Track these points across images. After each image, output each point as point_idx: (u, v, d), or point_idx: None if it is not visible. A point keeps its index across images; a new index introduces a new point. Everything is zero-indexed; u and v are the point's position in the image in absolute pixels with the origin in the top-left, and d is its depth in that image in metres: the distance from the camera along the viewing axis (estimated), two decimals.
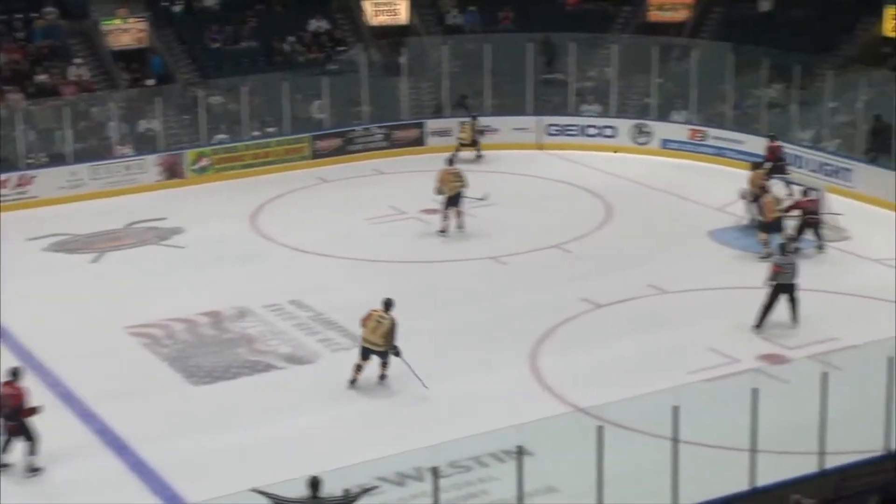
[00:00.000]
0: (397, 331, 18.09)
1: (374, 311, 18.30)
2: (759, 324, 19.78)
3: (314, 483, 12.99)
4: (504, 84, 32.84)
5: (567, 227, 25.26)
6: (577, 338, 20.04)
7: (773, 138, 26.98)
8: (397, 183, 29.06)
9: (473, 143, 30.74)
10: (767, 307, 19.83)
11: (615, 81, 32.38)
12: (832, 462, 14.74)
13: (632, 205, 25.93)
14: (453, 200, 24.95)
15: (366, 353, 18.31)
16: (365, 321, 18.22)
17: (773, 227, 23.31)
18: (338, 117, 31.73)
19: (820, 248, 23.50)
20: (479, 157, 30.57)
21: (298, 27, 34.31)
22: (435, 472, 13.03)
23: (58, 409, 17.75)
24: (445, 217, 24.92)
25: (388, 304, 18.30)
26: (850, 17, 32.94)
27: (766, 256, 22.56)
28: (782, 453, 15.00)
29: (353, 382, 18.35)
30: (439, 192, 25.06)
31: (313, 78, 31.72)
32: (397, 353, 18.14)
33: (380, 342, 18.09)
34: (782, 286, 19.92)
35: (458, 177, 25.12)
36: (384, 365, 18.32)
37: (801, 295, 20.34)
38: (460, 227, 24.94)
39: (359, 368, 18.34)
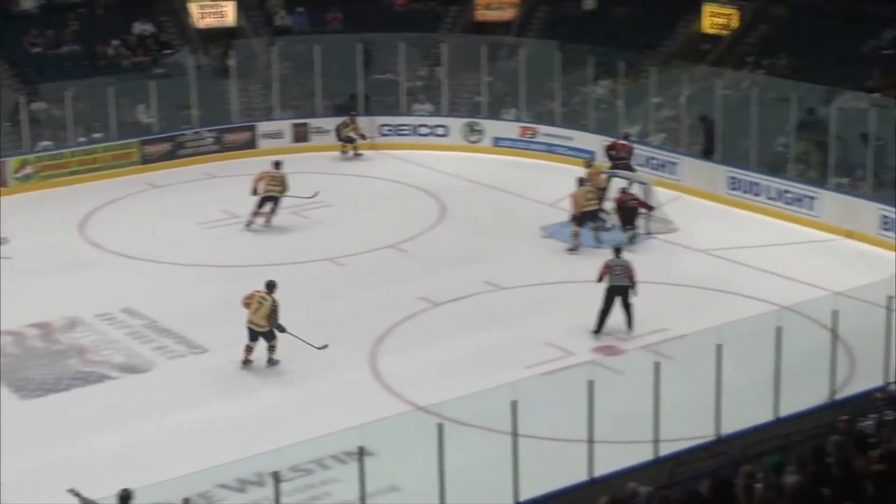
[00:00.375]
0: (279, 311, 18.49)
1: (257, 291, 18.74)
2: (598, 329, 19.93)
3: (124, 496, 12.67)
4: (335, 85, 32.77)
5: (402, 227, 25.32)
6: (415, 337, 20.11)
7: (626, 136, 27.33)
8: (229, 187, 28.68)
9: (350, 141, 30.64)
10: (604, 312, 19.96)
11: (445, 81, 32.59)
12: (666, 449, 15.10)
13: (465, 203, 26.14)
14: (268, 200, 25.13)
15: (253, 335, 18.66)
16: (247, 302, 18.64)
17: (583, 220, 23.76)
18: (167, 121, 31.21)
19: (632, 238, 23.88)
20: (357, 155, 30.48)
21: (122, 30, 33.62)
22: (276, 477, 12.92)
23: None
24: (255, 214, 25.18)
25: (270, 286, 18.80)
26: (671, 14, 33.81)
27: (574, 248, 23.47)
28: (619, 443, 15.30)
29: (245, 363, 18.75)
30: (254, 191, 25.16)
31: (140, 82, 31.15)
32: (282, 330, 18.55)
33: (262, 323, 18.52)
34: (615, 288, 20.09)
35: (278, 181, 25.10)
36: (271, 348, 18.70)
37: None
38: (267, 224, 25.34)
39: (249, 349, 18.73)
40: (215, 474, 14.55)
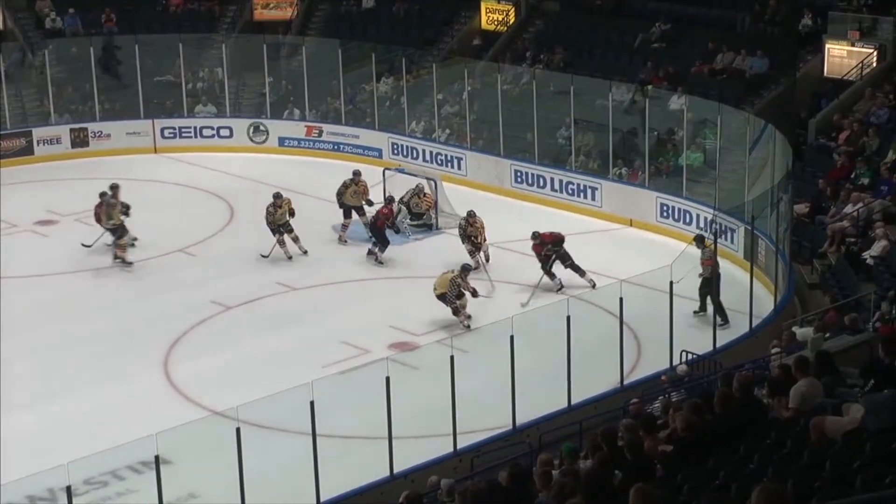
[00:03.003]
0: None
1: None
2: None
3: None
4: (113, 87, 32.02)
5: (190, 231, 24.94)
6: (209, 341, 19.87)
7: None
8: (6, 195, 27.67)
9: None
10: None
11: (227, 81, 32.22)
12: (465, 441, 15.35)
13: (254, 204, 25.80)
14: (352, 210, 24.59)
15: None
16: None
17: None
18: None
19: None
20: None
21: None
22: (69, 491, 12.63)
23: None
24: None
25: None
26: (449, 11, 34.24)
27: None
28: (418, 437, 15.47)
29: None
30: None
31: None
32: None
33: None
34: None
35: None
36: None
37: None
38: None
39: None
40: (4, 493, 14.08)
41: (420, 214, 24.89)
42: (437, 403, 15.41)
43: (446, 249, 23.47)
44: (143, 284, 22.28)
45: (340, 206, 24.42)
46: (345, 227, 24.34)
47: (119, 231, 23.20)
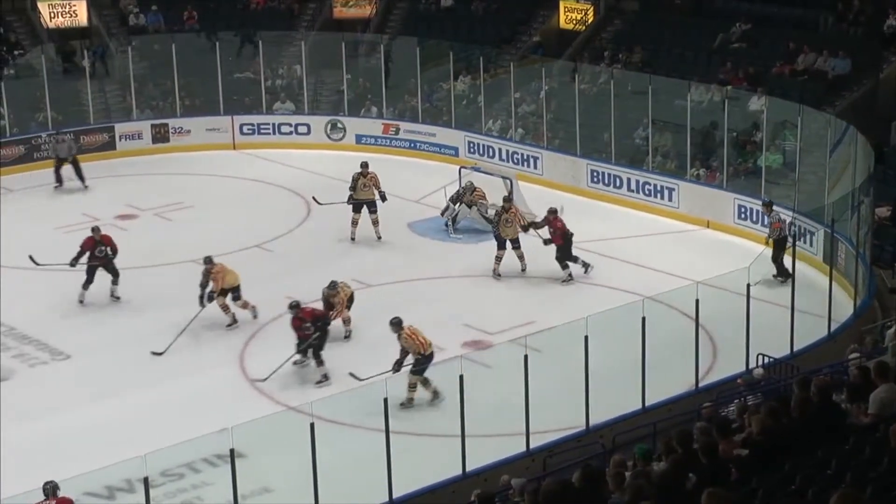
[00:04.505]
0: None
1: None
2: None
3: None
4: (194, 84, 32.37)
5: (267, 226, 25.13)
6: (284, 336, 19.93)
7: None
8: (89, 189, 28.15)
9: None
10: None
11: (306, 79, 32.43)
12: (538, 441, 15.32)
13: (333, 199, 25.92)
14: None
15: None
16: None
17: None
18: (20, 124, 30.49)
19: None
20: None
21: None
22: (146, 483, 12.78)
23: None
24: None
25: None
26: (528, 10, 34.20)
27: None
28: (491, 436, 15.46)
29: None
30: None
31: None
32: None
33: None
34: None
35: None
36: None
37: (498, 280, 21.06)
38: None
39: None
40: (83, 482, 14.29)
41: (471, 206, 24.68)
42: (511, 402, 15.39)
43: (525, 247, 23.38)
44: None
45: (350, 202, 24.25)
46: (354, 222, 24.19)
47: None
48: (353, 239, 24.21)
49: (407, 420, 15.28)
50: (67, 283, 21.62)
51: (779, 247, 21.26)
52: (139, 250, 23.81)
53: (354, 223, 24.22)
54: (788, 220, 22.09)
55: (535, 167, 28.34)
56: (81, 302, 21.22)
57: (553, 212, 22.43)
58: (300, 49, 32.60)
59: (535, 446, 15.26)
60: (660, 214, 25.69)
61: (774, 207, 21.99)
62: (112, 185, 28.48)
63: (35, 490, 13.33)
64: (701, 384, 16.95)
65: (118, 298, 21.44)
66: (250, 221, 25.59)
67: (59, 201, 27.41)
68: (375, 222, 24.16)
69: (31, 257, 21.85)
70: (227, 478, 13.23)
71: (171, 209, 26.36)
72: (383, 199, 24.25)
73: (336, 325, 19.39)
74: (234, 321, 20.33)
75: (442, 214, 24.93)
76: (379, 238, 24.16)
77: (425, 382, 17.12)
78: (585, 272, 22.17)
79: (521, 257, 22.50)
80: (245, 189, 28.28)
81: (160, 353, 19.13)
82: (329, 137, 31.52)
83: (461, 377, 14.57)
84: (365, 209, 24.21)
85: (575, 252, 22.24)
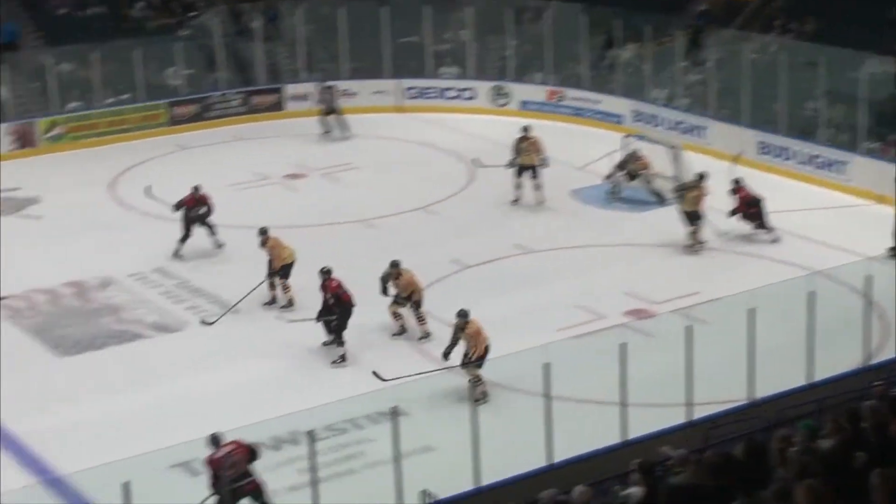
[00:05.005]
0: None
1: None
2: None
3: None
4: (361, 47, 32.72)
5: (431, 189, 25.34)
6: (446, 299, 20.12)
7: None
8: (258, 149, 28.78)
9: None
10: None
11: (471, 43, 32.50)
12: (699, 412, 15.17)
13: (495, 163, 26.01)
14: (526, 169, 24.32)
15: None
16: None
17: None
18: (194, 84, 31.27)
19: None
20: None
21: None
22: (311, 436, 13.05)
23: None
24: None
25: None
26: None
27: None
28: (651, 406, 15.37)
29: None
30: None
31: (166, 44, 31.18)
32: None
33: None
34: None
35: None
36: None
37: (663, 250, 20.87)
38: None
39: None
40: (250, 432, 14.67)
41: (634, 176, 24.51)
42: (673, 373, 15.25)
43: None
44: (386, 240, 22.72)
45: (511, 167, 24.23)
46: (517, 186, 24.21)
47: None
48: (515, 202, 24.24)
49: (568, 386, 15.24)
50: (243, 238, 22.21)
51: None
52: (309, 210, 24.30)
53: (517, 187, 24.26)
54: None
55: (702, 137, 27.95)
56: (177, 255, 21.61)
57: (736, 182, 22.36)
58: (466, 14, 32.66)
59: (697, 417, 15.12)
60: (830, 188, 25.12)
61: None
62: (281, 144, 29.06)
63: (197, 440, 13.67)
64: (871, 362, 16.58)
65: (181, 257, 21.68)
66: (416, 184, 25.83)
67: (231, 159, 28.05)
68: (537, 186, 24.18)
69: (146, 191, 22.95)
70: (389, 435, 13.41)
71: (340, 170, 26.77)
72: (544, 164, 24.23)
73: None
74: (290, 303, 19.78)
75: (605, 181, 24.79)
76: (541, 203, 24.17)
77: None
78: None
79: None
80: (410, 152, 28.55)
81: (210, 324, 19.24)
82: (494, 103, 31.57)
83: (622, 345, 14.51)
84: (527, 174, 24.23)
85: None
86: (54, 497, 14.41)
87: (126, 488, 11.77)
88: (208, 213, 21.85)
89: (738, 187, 22.39)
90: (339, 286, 18.24)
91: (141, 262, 21.54)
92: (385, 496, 13.38)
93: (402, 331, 18.78)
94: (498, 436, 14.56)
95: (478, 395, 16.15)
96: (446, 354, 16.94)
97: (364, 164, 27.17)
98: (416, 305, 18.59)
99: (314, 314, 18.28)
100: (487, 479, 13.71)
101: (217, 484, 13.29)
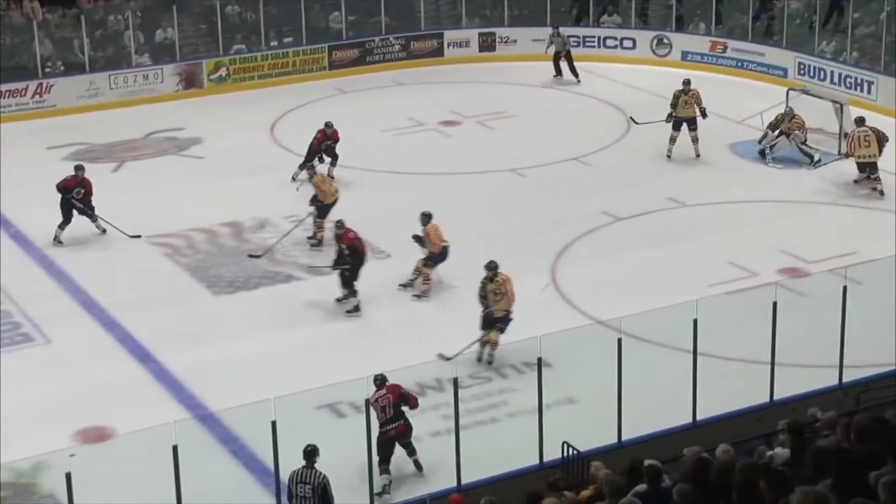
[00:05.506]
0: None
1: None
2: None
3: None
4: None
5: (587, 140, 25.14)
6: (596, 250, 20.07)
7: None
8: (416, 94, 28.93)
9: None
10: None
11: None
12: (851, 376, 14.85)
13: (651, 117, 25.73)
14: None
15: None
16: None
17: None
18: (355, 28, 31.50)
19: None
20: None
21: None
22: (455, 383, 13.17)
23: (80, 318, 17.96)
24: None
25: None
26: None
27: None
28: (801, 366, 15.11)
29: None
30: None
31: None
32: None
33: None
34: None
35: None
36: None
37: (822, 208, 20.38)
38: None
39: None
40: (396, 376, 14.87)
41: (787, 136, 23.78)
42: (825, 334, 14.94)
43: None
44: (538, 190, 22.68)
45: (669, 120, 23.94)
46: (673, 140, 23.90)
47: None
48: (669, 156, 23.93)
49: (716, 344, 15.06)
50: (398, 184, 22.43)
51: None
52: (462, 157, 24.36)
53: (672, 140, 23.92)
54: None
55: (870, 92, 27.11)
56: (56, 241, 20.58)
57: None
58: None
59: (849, 381, 14.80)
60: None
61: None
62: (438, 91, 29.16)
63: (343, 382, 13.87)
64: None
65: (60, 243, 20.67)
66: (570, 134, 25.66)
67: (388, 104, 28.25)
68: (695, 140, 23.81)
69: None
70: (533, 385, 13.45)
71: (494, 118, 26.74)
72: (704, 115, 23.87)
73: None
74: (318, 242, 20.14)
75: (759, 142, 24.22)
76: (698, 156, 23.82)
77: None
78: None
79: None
80: (567, 101, 28.36)
81: (258, 257, 19.66)
82: (654, 53, 31.11)
83: (774, 304, 14.25)
84: (685, 127, 23.87)
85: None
86: (208, 432, 14.86)
87: (274, 427, 12.09)
88: (87, 196, 20.81)
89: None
90: (356, 238, 18.27)
91: (297, 204, 21.82)
92: (527, 446, 13.46)
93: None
94: (642, 391, 14.46)
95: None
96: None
97: (519, 113, 27.08)
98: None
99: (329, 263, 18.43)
100: (629, 433, 13.68)
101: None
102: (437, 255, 18.73)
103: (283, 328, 17.68)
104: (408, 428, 13.90)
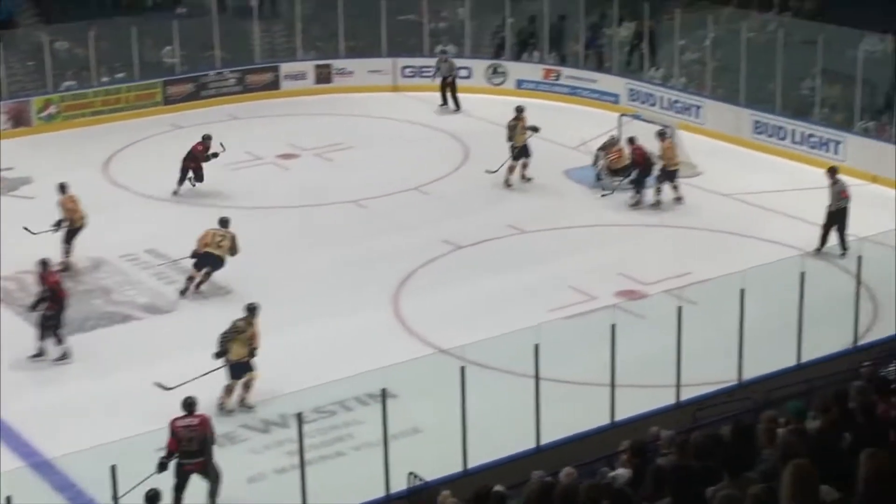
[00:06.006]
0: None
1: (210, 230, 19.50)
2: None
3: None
4: (358, 26, 32.60)
5: (426, 169, 25.27)
6: (438, 279, 20.15)
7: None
8: (252, 128, 28.71)
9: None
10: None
11: (468, 22, 32.38)
12: (689, 394, 15.16)
13: (488, 146, 25.98)
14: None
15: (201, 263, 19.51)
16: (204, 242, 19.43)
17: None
18: (189, 62, 31.16)
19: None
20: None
21: None
22: (300, 418, 13.04)
23: None
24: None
25: (223, 222, 19.64)
26: None
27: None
28: (641, 387, 15.35)
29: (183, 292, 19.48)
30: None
31: (163, 22, 31.08)
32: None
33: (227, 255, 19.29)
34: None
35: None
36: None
37: (656, 231, 20.82)
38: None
39: (191, 279, 19.54)
40: (239, 415, 14.68)
41: (616, 171, 24.05)
42: (662, 354, 15.24)
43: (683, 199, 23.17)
44: (377, 221, 22.70)
45: (517, 156, 24.27)
46: (511, 169, 24.26)
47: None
48: (508, 185, 24.17)
49: (558, 368, 15.22)
50: (237, 218, 22.09)
51: (837, 218, 20.38)
52: (301, 189, 24.24)
53: (511, 169, 24.19)
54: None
55: (697, 116, 27.86)
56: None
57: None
58: None
59: (686, 398, 15.11)
60: (825, 168, 24.98)
61: (838, 176, 20.87)
62: (275, 124, 29.00)
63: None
64: (860, 343, 16.54)
65: None
66: (409, 164, 25.75)
67: (225, 139, 27.87)
68: (525, 165, 24.11)
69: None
70: (378, 417, 13.40)
71: (332, 150, 26.70)
72: (535, 130, 24.20)
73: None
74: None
75: (595, 164, 24.57)
76: (530, 180, 24.08)
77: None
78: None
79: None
80: (405, 131, 28.46)
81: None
82: (490, 82, 31.46)
83: (613, 326, 14.48)
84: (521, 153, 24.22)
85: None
86: (42, 479, 14.41)
87: (113, 471, 11.80)
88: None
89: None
90: (58, 282, 17.98)
91: (132, 242, 21.47)
92: (373, 478, 13.38)
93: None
94: (487, 418, 14.54)
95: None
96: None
97: (358, 144, 27.09)
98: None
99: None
100: (475, 461, 13.71)
101: (172, 448, 13.32)
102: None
103: (123, 370, 17.27)
104: (205, 468, 13.61)
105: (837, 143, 25.08)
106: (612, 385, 14.64)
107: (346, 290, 19.68)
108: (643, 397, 15.11)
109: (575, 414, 15.00)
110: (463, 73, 31.44)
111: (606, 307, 16.51)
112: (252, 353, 16.19)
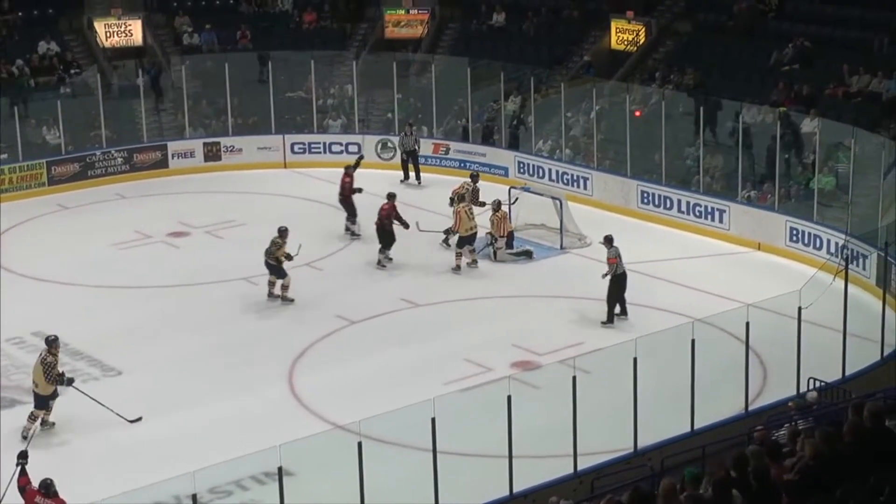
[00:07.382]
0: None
1: None
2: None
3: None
4: (246, 103, 32.61)
5: (317, 245, 25.18)
6: (333, 355, 20.07)
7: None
8: (141, 207, 28.42)
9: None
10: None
11: (357, 98, 32.57)
12: (586, 463, 15.24)
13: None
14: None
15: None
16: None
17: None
18: (75, 142, 30.82)
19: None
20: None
21: (27, 50, 33.17)
22: (194, 500, 12.82)
23: None
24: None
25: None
26: (579, 30, 34.17)
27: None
28: (538, 457, 15.40)
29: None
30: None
31: (46, 102, 30.77)
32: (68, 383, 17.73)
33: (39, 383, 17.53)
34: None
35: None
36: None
37: (548, 301, 20.99)
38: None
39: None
40: (131, 498, 14.33)
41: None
42: (559, 424, 15.32)
43: (574, 268, 23.42)
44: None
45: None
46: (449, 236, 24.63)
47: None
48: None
49: (455, 440, 15.20)
50: (125, 299, 21.87)
51: (617, 285, 20.87)
52: (192, 268, 24.01)
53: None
54: (841, 242, 21.86)
55: (585, 188, 28.27)
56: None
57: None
58: (352, 68, 32.77)
59: (583, 468, 15.18)
60: (710, 236, 25.55)
61: (614, 243, 21.27)
62: (164, 202, 28.76)
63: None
64: (751, 407, 16.81)
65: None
66: (300, 240, 25.57)
67: (113, 218, 27.64)
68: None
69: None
70: (275, 496, 13.24)
71: (223, 227, 26.54)
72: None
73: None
74: None
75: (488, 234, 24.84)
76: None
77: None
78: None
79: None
80: (295, 208, 28.38)
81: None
82: (380, 157, 31.59)
83: (509, 398, 14.53)
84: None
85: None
86: None
87: None
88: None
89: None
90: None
91: (19, 326, 21.02)
92: None
93: None
94: (385, 492, 14.46)
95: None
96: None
97: (248, 221, 26.95)
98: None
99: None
100: None
101: None
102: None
103: (8, 456, 16.80)
104: None
105: (722, 211, 25.62)
106: (510, 456, 14.67)
107: (240, 368, 19.49)
108: (541, 468, 15.17)
109: (474, 486, 14.98)
110: (352, 148, 31.51)
111: (502, 378, 16.55)
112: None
